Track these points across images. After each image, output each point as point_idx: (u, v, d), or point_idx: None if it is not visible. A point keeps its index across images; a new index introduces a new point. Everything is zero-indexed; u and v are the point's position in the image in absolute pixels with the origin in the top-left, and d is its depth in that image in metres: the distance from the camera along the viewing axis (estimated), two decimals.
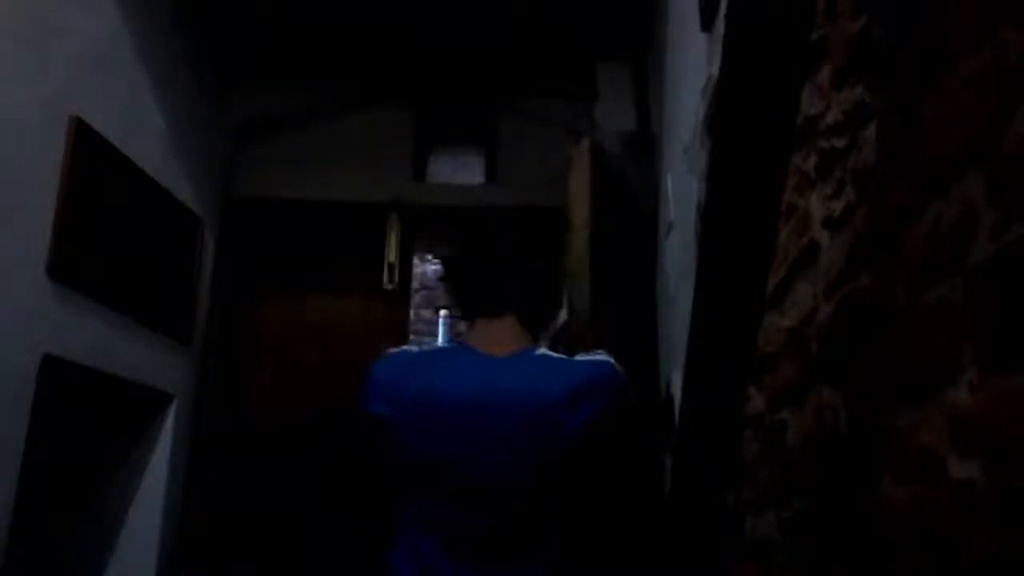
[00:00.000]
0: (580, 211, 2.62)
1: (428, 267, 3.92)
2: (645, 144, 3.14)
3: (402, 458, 1.10)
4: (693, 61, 2.01)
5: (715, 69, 1.52)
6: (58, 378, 2.40)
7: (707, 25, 1.80)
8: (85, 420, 3.02)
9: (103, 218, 2.64)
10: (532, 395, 1.07)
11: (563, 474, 1.07)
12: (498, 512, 1.06)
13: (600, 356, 1.18)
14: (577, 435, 1.06)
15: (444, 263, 1.38)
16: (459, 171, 4.10)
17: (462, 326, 3.57)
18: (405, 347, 1.25)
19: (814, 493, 1.04)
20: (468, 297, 1.25)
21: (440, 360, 1.19)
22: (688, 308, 1.50)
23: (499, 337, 1.17)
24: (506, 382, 1.09)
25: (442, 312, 3.74)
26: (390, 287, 3.78)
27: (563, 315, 2.48)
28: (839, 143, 0.98)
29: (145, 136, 2.94)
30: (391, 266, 3.79)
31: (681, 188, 2.27)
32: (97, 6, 2.63)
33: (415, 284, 3.88)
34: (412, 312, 3.83)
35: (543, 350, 1.17)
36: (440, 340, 3.61)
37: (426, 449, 1.08)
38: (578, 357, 1.18)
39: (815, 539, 1.03)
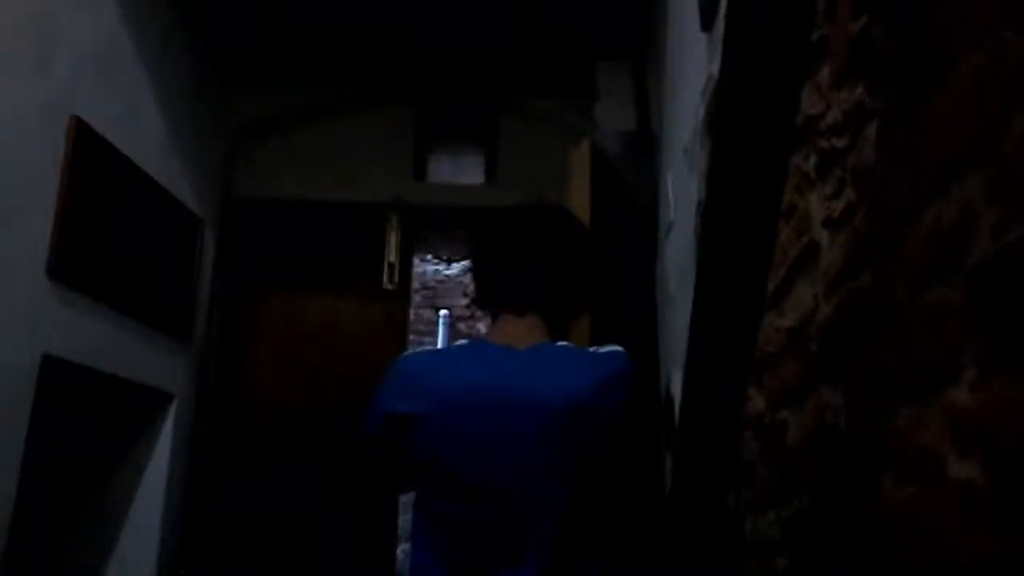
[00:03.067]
0: (580, 211, 2.63)
1: (428, 267, 3.92)
2: (645, 144, 3.14)
3: (424, 456, 1.09)
4: (693, 61, 2.01)
5: (715, 69, 1.52)
6: (58, 378, 2.40)
7: (707, 25, 1.80)
8: (85, 420, 3.02)
9: (103, 218, 2.64)
10: (555, 387, 1.07)
11: (585, 467, 1.07)
12: (520, 509, 1.05)
13: (614, 347, 1.17)
14: (600, 426, 1.06)
15: (472, 255, 1.37)
16: (459, 171, 4.09)
17: (461, 325, 3.58)
18: (423, 348, 1.25)
19: (814, 493, 1.04)
20: (491, 293, 1.24)
21: (460, 356, 1.19)
22: (688, 308, 1.50)
23: (520, 333, 1.17)
24: (528, 375, 1.09)
25: (442, 312, 3.74)
26: (390, 287, 3.78)
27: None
28: (839, 143, 0.98)
29: (145, 136, 2.94)
30: (391, 266, 3.79)
31: (681, 188, 2.27)
32: (97, 6, 2.63)
33: (415, 284, 3.88)
34: (412, 312, 3.83)
35: (564, 342, 1.17)
36: (440, 340, 3.60)
37: (448, 446, 1.07)
38: (592, 349, 1.18)
39: (815, 539, 1.03)
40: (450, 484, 1.08)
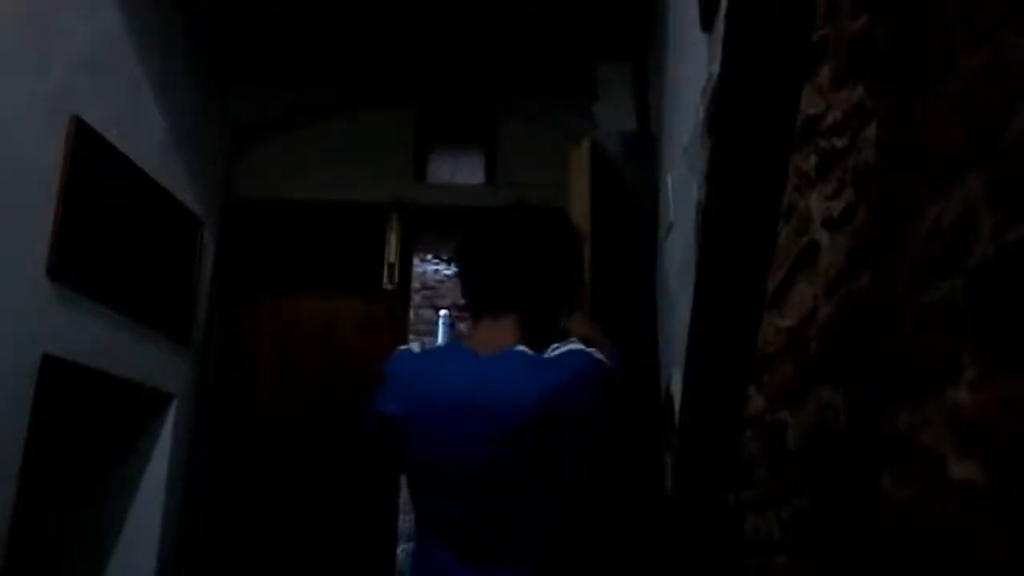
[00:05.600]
0: (580, 211, 2.62)
1: (428, 267, 3.92)
2: (645, 144, 3.13)
3: (408, 457, 1.13)
4: (693, 61, 2.01)
5: (715, 69, 1.52)
6: (58, 378, 2.40)
7: (707, 25, 1.80)
8: (85, 420, 3.02)
9: (103, 218, 2.64)
10: (505, 396, 1.07)
11: (548, 468, 1.07)
12: (492, 509, 1.07)
13: (571, 346, 1.14)
14: (558, 430, 1.06)
15: (457, 259, 1.38)
16: (459, 171, 4.10)
17: (463, 326, 3.58)
18: (409, 346, 1.25)
19: (814, 493, 1.04)
20: (470, 295, 1.26)
21: (437, 359, 1.22)
22: (688, 308, 1.50)
23: (494, 336, 1.18)
24: (484, 382, 1.10)
25: (442, 312, 3.74)
26: (390, 287, 3.78)
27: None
28: (839, 143, 0.98)
29: (145, 136, 2.94)
30: (391, 266, 3.79)
31: (681, 188, 2.27)
32: (97, 6, 2.63)
33: (415, 284, 3.88)
34: (412, 312, 3.83)
35: (522, 347, 1.15)
36: (440, 340, 3.60)
37: (425, 448, 1.10)
38: (551, 348, 1.15)
39: (815, 539, 1.03)
40: (430, 484, 1.11)
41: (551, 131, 3.72)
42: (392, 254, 3.81)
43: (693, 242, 1.87)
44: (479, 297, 1.24)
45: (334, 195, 3.84)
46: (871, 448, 0.83)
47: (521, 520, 1.06)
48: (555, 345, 1.15)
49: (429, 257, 3.93)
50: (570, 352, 1.12)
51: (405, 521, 3.39)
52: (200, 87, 3.45)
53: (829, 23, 1.02)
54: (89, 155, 2.53)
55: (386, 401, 1.14)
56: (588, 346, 1.15)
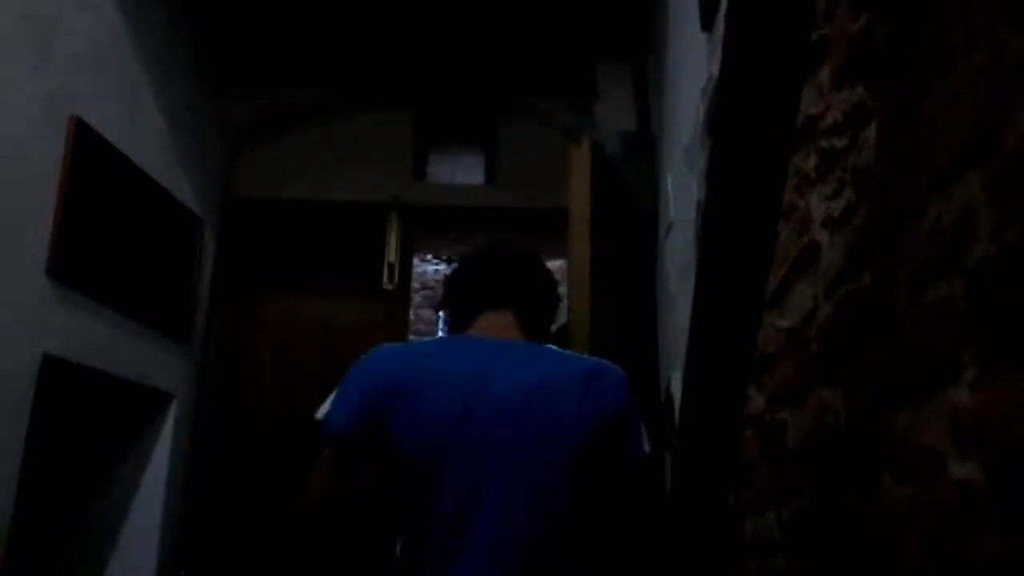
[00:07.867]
0: (580, 211, 2.62)
1: (428, 267, 3.92)
2: (645, 144, 3.14)
3: (404, 449, 1.08)
4: (693, 61, 2.01)
5: (715, 69, 1.52)
6: (58, 378, 2.40)
7: (707, 25, 1.81)
8: (85, 420, 3.02)
9: (103, 218, 2.64)
10: (540, 381, 1.08)
11: (569, 462, 1.07)
12: (492, 503, 1.05)
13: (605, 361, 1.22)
14: (581, 425, 1.07)
15: (457, 262, 1.42)
16: (459, 171, 4.09)
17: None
18: (394, 343, 1.24)
19: (814, 493, 1.05)
20: (471, 293, 1.26)
21: (440, 347, 1.23)
22: (688, 308, 1.50)
23: (501, 327, 1.20)
24: (511, 366, 1.10)
25: (442, 312, 3.74)
26: (390, 287, 3.78)
27: (563, 317, 2.49)
28: (839, 143, 0.98)
29: (145, 136, 2.94)
30: (391, 266, 3.79)
31: (681, 188, 2.27)
32: (97, 6, 2.63)
33: (415, 284, 3.88)
34: (412, 312, 3.83)
35: (552, 346, 1.22)
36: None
37: (426, 436, 1.06)
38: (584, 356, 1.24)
39: (815, 539, 1.03)
40: (431, 478, 1.06)
41: (551, 131, 3.71)
42: (392, 254, 3.81)
43: (693, 242, 1.87)
44: (481, 294, 1.25)
45: (334, 195, 3.83)
46: (871, 448, 0.83)
47: (522, 517, 1.05)
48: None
49: (429, 257, 3.93)
50: (604, 361, 1.21)
51: None
52: (200, 87, 3.45)
53: (829, 23, 1.02)
54: (89, 155, 2.53)
55: (372, 394, 1.10)
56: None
